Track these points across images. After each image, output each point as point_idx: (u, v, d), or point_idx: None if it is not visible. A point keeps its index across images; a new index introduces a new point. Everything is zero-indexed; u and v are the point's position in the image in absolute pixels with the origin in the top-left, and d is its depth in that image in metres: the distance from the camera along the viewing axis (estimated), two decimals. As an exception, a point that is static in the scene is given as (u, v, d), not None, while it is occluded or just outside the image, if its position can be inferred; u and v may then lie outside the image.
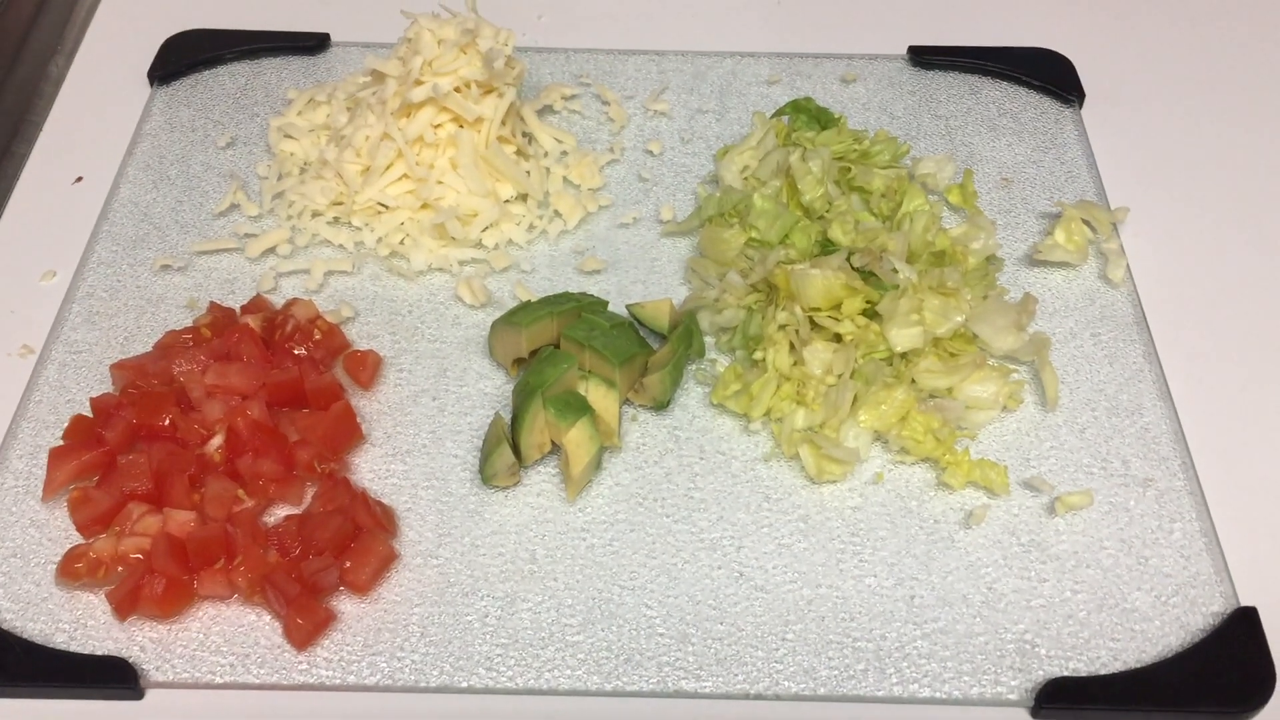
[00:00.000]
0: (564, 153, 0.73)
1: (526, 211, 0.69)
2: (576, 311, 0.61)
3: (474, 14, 0.69)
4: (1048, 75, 0.78)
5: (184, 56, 0.77)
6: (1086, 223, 0.68)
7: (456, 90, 0.66)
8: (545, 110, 0.75)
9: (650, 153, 0.74)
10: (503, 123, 0.68)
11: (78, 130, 0.74)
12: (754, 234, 0.66)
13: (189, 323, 0.63)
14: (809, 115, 0.72)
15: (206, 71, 0.77)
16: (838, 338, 0.61)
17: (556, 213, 0.70)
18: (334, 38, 0.80)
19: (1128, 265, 0.67)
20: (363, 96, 0.69)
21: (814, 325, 0.61)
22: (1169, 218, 0.71)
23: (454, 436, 0.59)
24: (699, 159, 0.74)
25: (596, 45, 0.81)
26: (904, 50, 0.80)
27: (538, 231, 0.69)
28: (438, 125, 0.67)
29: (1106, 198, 0.71)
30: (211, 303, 0.63)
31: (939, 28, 0.82)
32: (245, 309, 0.62)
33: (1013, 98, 0.77)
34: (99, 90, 0.77)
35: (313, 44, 0.79)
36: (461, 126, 0.67)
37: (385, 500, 0.57)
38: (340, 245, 0.67)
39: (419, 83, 0.66)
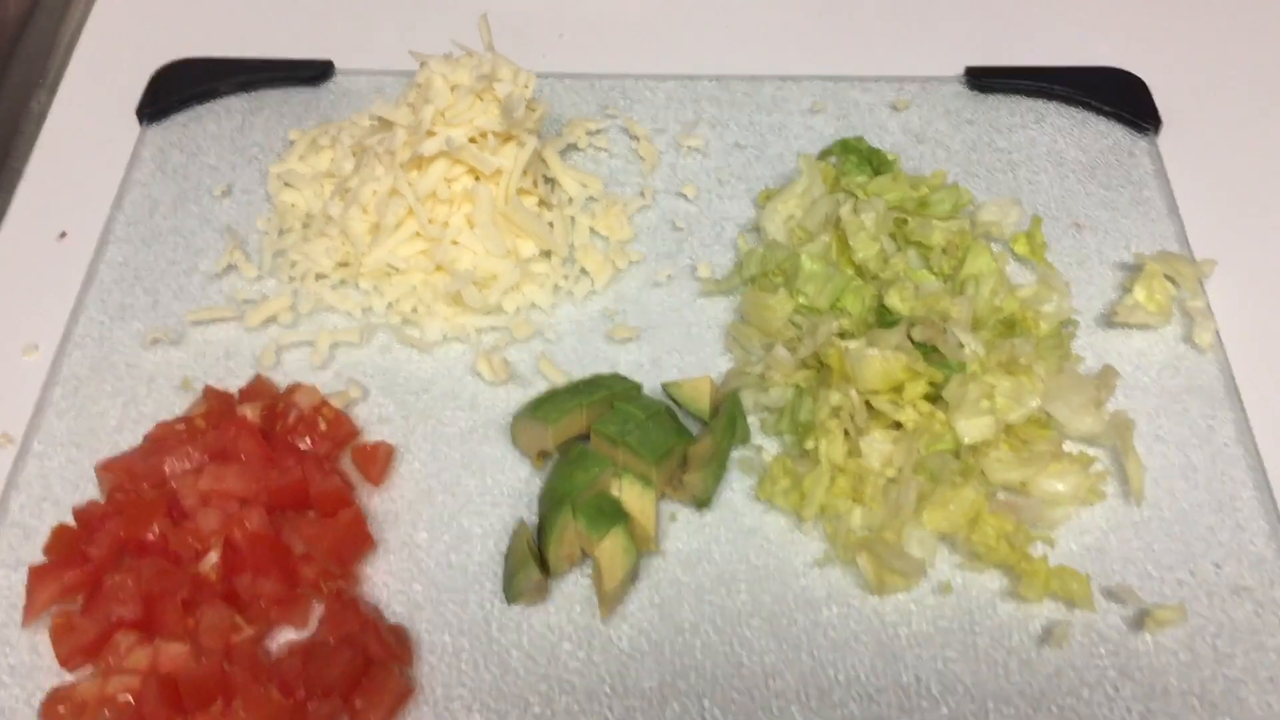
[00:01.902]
0: (590, 198, 0.67)
1: (550, 270, 0.63)
2: (608, 401, 0.55)
3: (490, 53, 0.63)
4: (1119, 99, 0.71)
5: (175, 90, 0.71)
6: (1169, 278, 0.62)
7: (472, 141, 0.60)
8: (569, 149, 0.69)
9: (684, 197, 0.67)
10: (523, 172, 0.62)
11: (61, 177, 0.68)
12: (802, 299, 0.59)
13: (182, 407, 0.58)
14: (860, 156, 0.66)
15: (200, 106, 0.71)
16: (897, 425, 0.55)
17: (583, 270, 0.63)
18: (338, 65, 0.73)
19: (1216, 329, 0.61)
20: (369, 144, 0.63)
21: (871, 410, 0.55)
22: (1261, 268, 0.64)
23: (474, 541, 0.54)
24: (738, 203, 0.67)
25: (623, 69, 0.74)
26: (960, 71, 0.73)
27: (563, 292, 0.63)
28: (452, 179, 0.61)
29: (1189, 245, 0.65)
30: (206, 388, 0.57)
31: (998, 45, 0.75)
32: (243, 395, 0.57)
33: (1081, 125, 0.70)
34: (84, 130, 0.70)
35: (315, 73, 0.72)
36: (478, 179, 0.61)
37: (400, 618, 0.51)
38: (347, 312, 0.62)
39: (431, 134, 0.60)
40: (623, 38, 0.76)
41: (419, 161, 0.60)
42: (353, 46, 0.74)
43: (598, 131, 0.70)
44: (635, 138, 0.70)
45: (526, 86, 0.62)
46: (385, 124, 0.62)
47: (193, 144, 0.69)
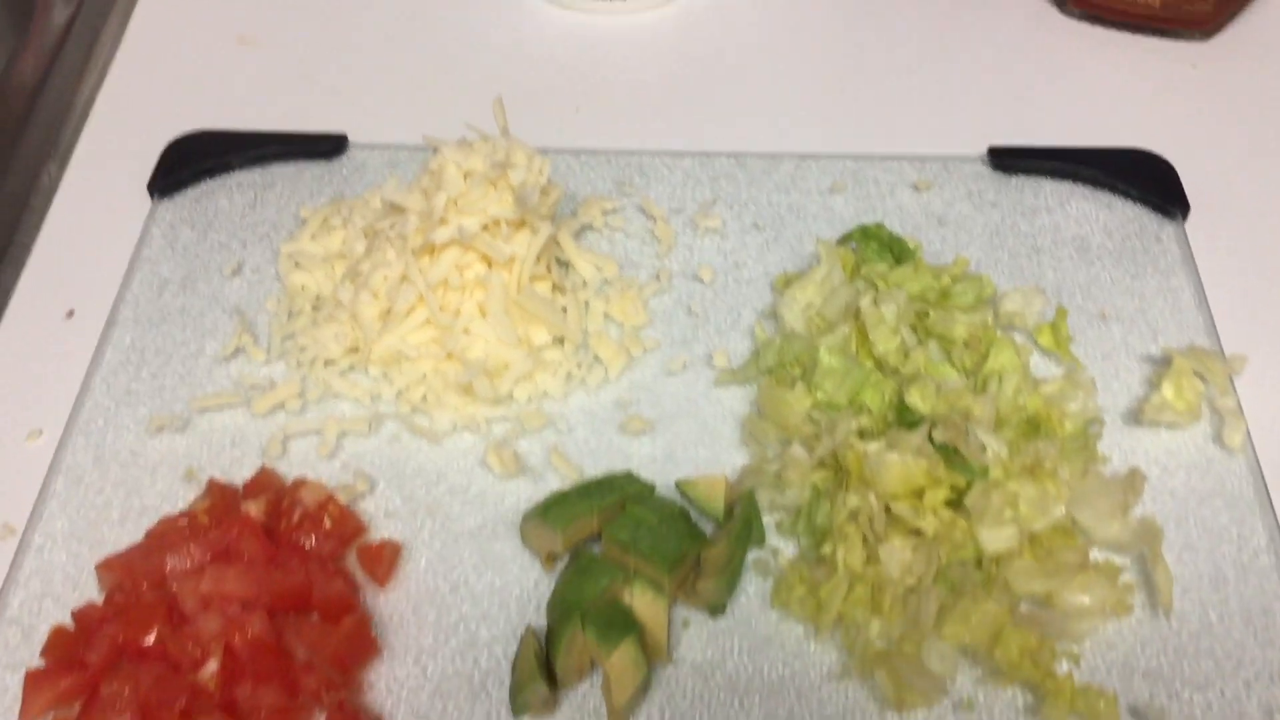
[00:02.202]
0: (605, 281, 0.65)
1: (563, 358, 0.61)
2: (620, 504, 0.54)
3: (505, 138, 0.62)
4: (1146, 182, 0.69)
5: (187, 164, 0.70)
6: (1198, 374, 0.60)
7: (485, 229, 0.59)
8: (583, 229, 0.68)
9: (700, 280, 0.66)
10: (537, 258, 0.61)
11: (71, 253, 0.68)
12: (820, 395, 0.58)
13: (186, 498, 0.56)
14: (880, 243, 0.64)
15: (212, 181, 0.70)
16: (917, 532, 0.53)
17: (597, 358, 0.62)
18: (352, 139, 0.72)
19: (1247, 428, 0.59)
20: (381, 228, 0.62)
21: (890, 516, 0.54)
22: (1291, 364, 0.62)
23: (481, 647, 0.52)
24: (755, 287, 0.66)
25: (640, 144, 0.73)
26: (983, 151, 0.72)
27: (576, 380, 0.61)
28: (464, 265, 0.60)
29: (1218, 336, 0.63)
30: (210, 481, 0.56)
31: (1022, 125, 0.73)
32: (248, 490, 0.56)
33: (1107, 209, 0.69)
34: (95, 204, 0.70)
35: (329, 147, 0.71)
36: (491, 266, 0.60)
37: (404, 730, 0.50)
38: (355, 399, 0.60)
39: (443, 222, 0.59)
40: (640, 112, 0.75)
41: (431, 248, 0.59)
42: (367, 120, 0.73)
43: (613, 211, 0.69)
44: (652, 217, 0.69)
45: (541, 172, 0.61)
46: (398, 208, 0.61)
47: (204, 220, 0.68)
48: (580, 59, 0.78)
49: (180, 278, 0.66)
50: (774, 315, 0.64)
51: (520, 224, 0.60)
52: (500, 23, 0.80)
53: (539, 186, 0.60)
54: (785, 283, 0.64)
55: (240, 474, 0.58)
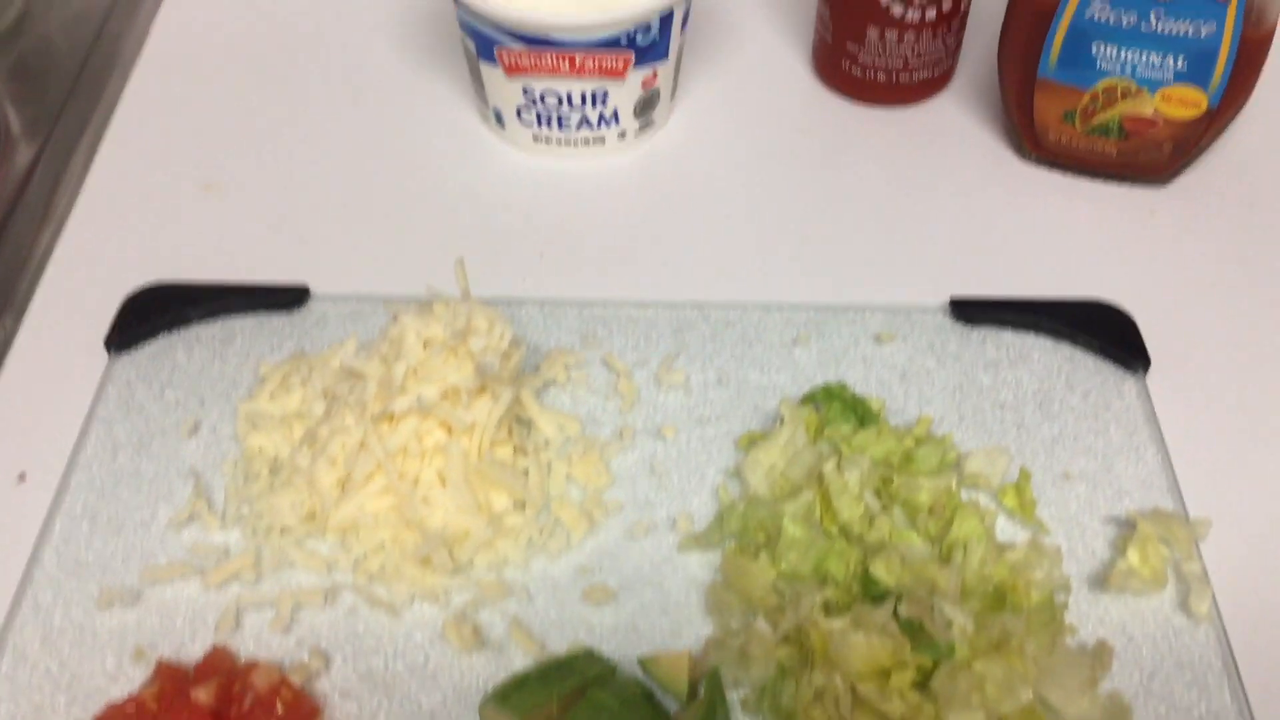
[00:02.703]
0: (567, 439, 0.65)
1: (525, 523, 0.61)
2: (580, 688, 0.52)
3: (466, 300, 0.61)
4: (1106, 335, 0.70)
5: (146, 318, 0.70)
6: (1163, 539, 0.60)
7: (444, 397, 0.59)
8: (546, 385, 0.67)
9: (664, 438, 0.66)
10: (498, 423, 0.60)
11: (25, 412, 0.66)
12: (784, 565, 0.57)
13: (136, 679, 0.55)
14: (844, 404, 0.64)
15: (171, 335, 0.70)
16: (884, 715, 0.52)
17: (559, 521, 0.61)
18: (315, 289, 0.72)
19: (1213, 595, 0.59)
20: (340, 393, 0.61)
21: (856, 697, 0.53)
22: (1257, 526, 0.62)
23: (437, 836, 0.51)
24: (719, 445, 0.65)
25: (604, 293, 0.73)
26: (945, 301, 0.72)
27: (538, 546, 0.61)
28: (424, 433, 0.59)
29: (1182, 498, 0.63)
30: (159, 664, 0.55)
31: (984, 273, 0.74)
32: (198, 673, 0.54)
33: (1069, 362, 0.69)
34: (50, 360, 0.69)
35: (290, 299, 0.71)
36: (451, 432, 0.59)
37: None
38: (312, 569, 0.59)
39: (403, 390, 0.58)
40: (603, 259, 0.75)
41: (390, 415, 0.59)
42: (329, 269, 0.73)
43: (577, 365, 0.69)
44: (615, 372, 0.68)
45: (503, 337, 0.61)
46: (357, 373, 0.61)
47: (161, 377, 0.68)
48: (544, 205, 0.78)
49: (136, 439, 0.65)
50: (738, 474, 0.63)
51: (481, 390, 0.60)
52: (464, 168, 0.80)
53: (500, 352, 0.60)
54: (749, 442, 0.64)
55: (192, 650, 0.56)
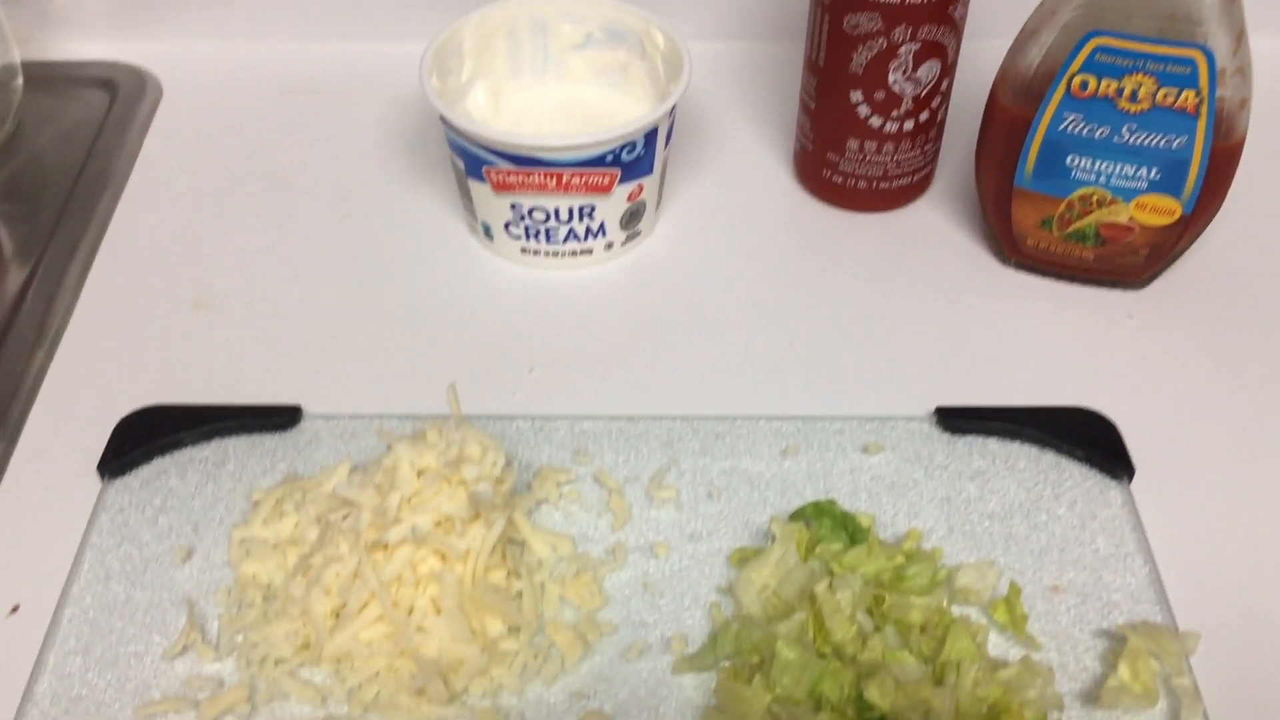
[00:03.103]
0: (560, 558, 0.65)
1: (519, 647, 0.61)
2: (578, 824, 0.52)
3: (460, 425, 0.62)
4: (1090, 442, 0.71)
5: (139, 441, 0.70)
6: (1153, 653, 0.60)
7: (438, 525, 0.59)
8: (538, 504, 0.68)
9: (656, 555, 0.66)
10: (492, 549, 0.61)
11: (18, 541, 0.66)
12: (779, 690, 0.58)
13: (129, 820, 0.55)
14: (834, 520, 0.65)
15: (164, 458, 0.70)
16: (883, 845, 0.52)
17: (553, 644, 0.61)
18: (307, 409, 0.72)
19: (1205, 710, 0.59)
20: (334, 520, 0.61)
21: (854, 827, 0.53)
22: (1245, 637, 0.63)
23: None
24: (711, 561, 0.66)
25: (594, 408, 0.73)
26: (931, 410, 0.73)
27: (532, 671, 0.61)
28: (418, 561, 0.59)
29: (1171, 609, 0.63)
30: (153, 806, 0.54)
31: (969, 380, 0.75)
32: (193, 815, 0.54)
33: (1055, 470, 0.70)
34: (44, 486, 0.69)
35: (283, 420, 0.72)
36: (445, 559, 0.60)
37: None
38: (306, 700, 0.59)
39: (397, 521, 0.59)
40: (594, 372, 0.76)
41: (384, 544, 0.59)
42: (321, 389, 0.74)
43: (569, 483, 0.69)
44: (607, 488, 0.69)
45: (495, 464, 0.61)
46: (351, 502, 0.61)
47: (155, 502, 0.68)
48: (534, 318, 0.79)
49: (129, 567, 0.65)
50: (731, 593, 0.64)
51: (475, 517, 0.60)
52: (454, 282, 0.82)
53: (493, 479, 0.60)
54: (741, 560, 0.65)
55: (186, 788, 0.56)
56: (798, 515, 0.66)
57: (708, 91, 0.96)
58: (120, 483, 0.69)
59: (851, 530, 0.64)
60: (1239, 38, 0.70)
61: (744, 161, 0.91)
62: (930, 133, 0.84)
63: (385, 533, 0.58)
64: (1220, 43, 0.69)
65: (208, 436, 0.71)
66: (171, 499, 0.68)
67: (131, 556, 0.65)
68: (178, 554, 0.65)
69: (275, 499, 0.66)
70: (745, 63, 0.99)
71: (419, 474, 0.60)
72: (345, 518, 0.61)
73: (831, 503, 0.65)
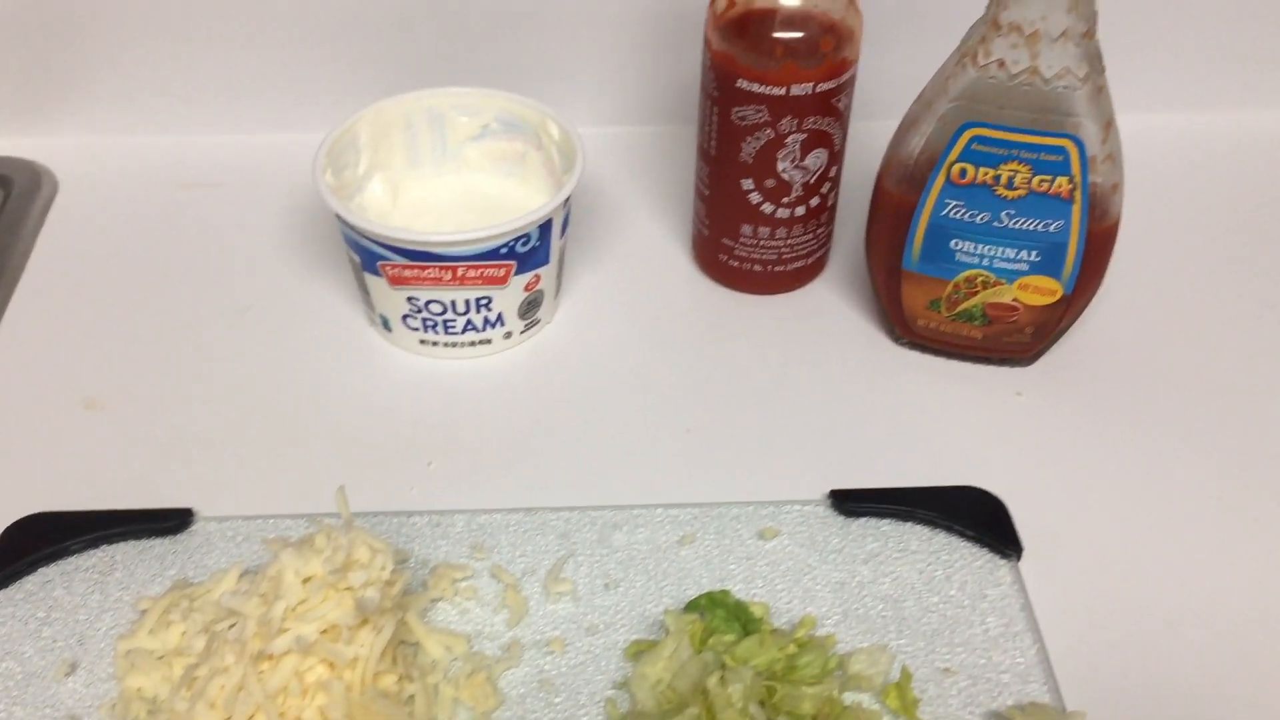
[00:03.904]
0: (455, 658, 0.65)
1: (412, 754, 0.60)
2: None
3: (349, 532, 0.62)
4: (980, 521, 0.72)
5: (24, 551, 0.69)
6: (1040, 735, 0.61)
7: (325, 633, 0.58)
8: (433, 603, 0.67)
9: (552, 651, 0.66)
10: (382, 653, 0.60)
11: (-106, 659, 0.65)
12: (671, 788, 0.58)
13: None
14: (727, 611, 0.65)
15: (50, 567, 0.69)
16: None
17: (446, 750, 0.61)
18: (201, 512, 0.72)
19: (1091, 791, 0.60)
20: (219, 630, 0.61)
21: None
22: (1130, 714, 0.64)
23: None
24: (608, 656, 0.66)
25: (492, 500, 0.73)
26: (825, 493, 0.74)
27: (425, 778, 0.60)
28: (305, 670, 0.59)
29: (1059, 689, 0.64)
30: None
31: (862, 461, 0.76)
32: None
33: (946, 549, 0.71)
34: (-77, 600, 0.67)
35: (174, 524, 0.71)
36: (333, 667, 0.59)
37: None
38: (192, 818, 0.58)
39: (282, 630, 0.58)
40: (493, 464, 0.76)
41: (270, 655, 0.58)
42: (215, 490, 0.73)
43: (465, 579, 0.69)
44: (503, 584, 0.69)
45: (384, 568, 0.61)
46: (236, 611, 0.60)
47: (39, 614, 0.66)
48: (433, 410, 0.79)
49: (10, 684, 0.63)
50: (626, 687, 0.64)
51: (363, 623, 0.60)
52: (353, 376, 0.81)
53: (382, 583, 0.60)
54: (636, 653, 0.65)
55: None
56: (692, 606, 0.66)
57: (610, 176, 0.98)
58: (3, 595, 0.67)
59: (744, 620, 0.65)
60: (1107, 127, 0.73)
61: (645, 246, 0.93)
62: (822, 217, 0.85)
63: (270, 643, 0.58)
64: (1090, 132, 0.72)
65: (95, 544, 0.70)
66: (56, 610, 0.67)
67: (13, 673, 0.64)
68: (61, 668, 0.64)
69: (162, 608, 0.65)
70: (648, 146, 1.01)
71: (304, 581, 0.59)
72: (231, 627, 0.60)
73: (725, 593, 0.66)
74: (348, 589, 0.59)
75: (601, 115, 1.01)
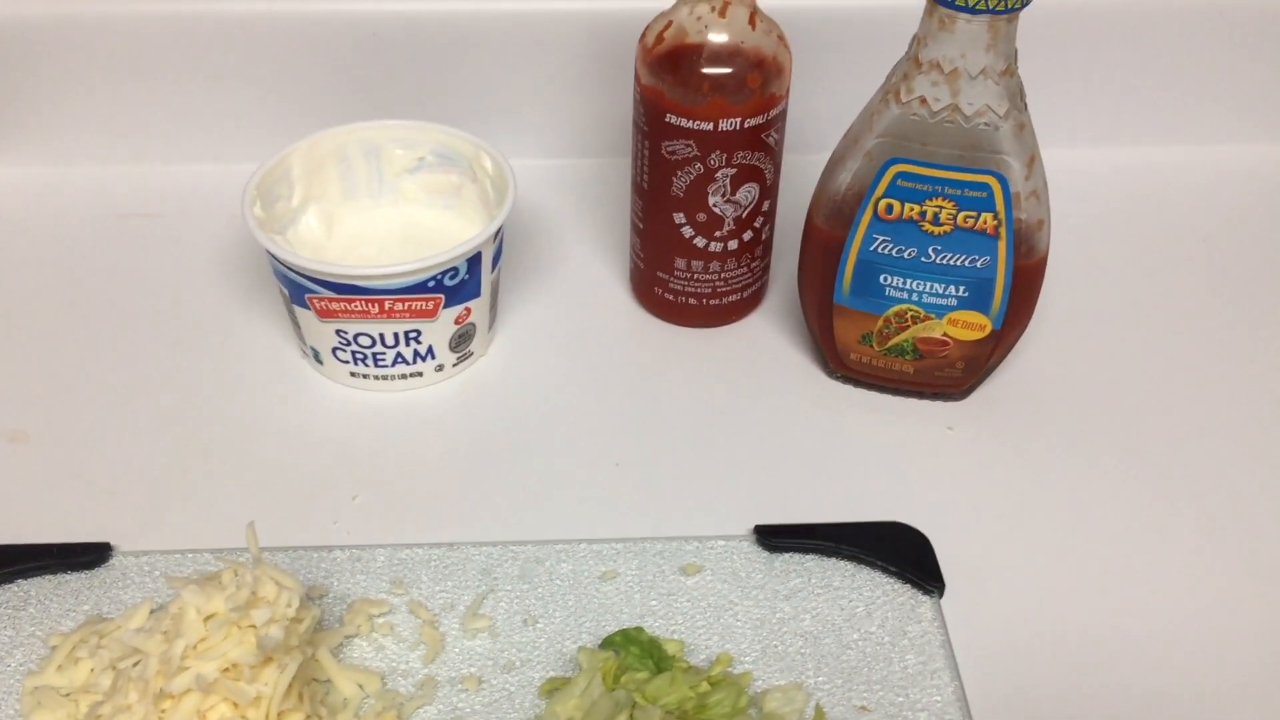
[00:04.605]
0: (367, 696, 0.64)
1: (318, 794, 0.60)
2: None
3: (256, 569, 0.61)
4: (904, 557, 0.72)
5: (-63, 586, 0.68)
6: (952, 775, 0.61)
7: (227, 671, 0.58)
8: (348, 639, 0.67)
9: (466, 689, 0.65)
10: (289, 689, 0.60)
11: None
12: (574, 830, 0.57)
13: None
14: (641, 648, 0.65)
15: (-37, 602, 0.68)
16: None
17: (353, 790, 0.60)
18: (121, 546, 0.71)
19: (1001, 832, 0.60)
20: (123, 668, 0.60)
21: None
22: (1043, 754, 0.64)
23: None
24: (524, 693, 0.65)
25: (416, 535, 0.73)
26: (750, 528, 0.74)
27: (330, 818, 0.59)
28: (208, 708, 0.58)
29: (974, 727, 0.64)
30: None
31: (790, 496, 0.76)
32: None
33: (869, 585, 0.71)
34: None
35: (90, 558, 0.70)
36: (236, 705, 0.59)
37: None
38: None
39: (182, 669, 0.57)
40: (419, 498, 0.76)
41: (171, 693, 0.58)
42: (136, 524, 0.73)
43: (382, 615, 0.68)
44: (421, 619, 0.68)
45: (290, 605, 0.60)
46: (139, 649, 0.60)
47: (-52, 649, 0.66)
48: (362, 444, 0.79)
49: (-86, 722, 0.63)
50: (539, 725, 0.63)
51: (267, 660, 0.59)
52: (283, 408, 0.81)
53: (287, 621, 0.60)
54: (550, 690, 0.64)
55: None
56: (607, 643, 0.66)
57: (549, 208, 0.98)
58: (-86, 630, 0.67)
59: (658, 658, 0.64)
60: (1030, 163, 0.73)
61: (583, 278, 0.93)
62: (756, 251, 0.86)
63: (170, 681, 0.57)
64: (1013, 169, 0.72)
65: (10, 579, 0.69)
66: (-33, 645, 0.66)
67: (-82, 710, 0.63)
68: (-33, 705, 0.63)
69: (72, 644, 0.64)
70: (588, 179, 1.01)
71: (207, 619, 0.58)
72: (136, 665, 0.60)
73: (639, 630, 0.66)
74: (251, 626, 0.59)
75: (541, 148, 1.01)
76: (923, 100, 0.71)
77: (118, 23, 0.93)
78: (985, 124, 0.71)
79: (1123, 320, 0.89)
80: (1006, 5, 0.67)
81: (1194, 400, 0.83)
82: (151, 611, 0.64)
